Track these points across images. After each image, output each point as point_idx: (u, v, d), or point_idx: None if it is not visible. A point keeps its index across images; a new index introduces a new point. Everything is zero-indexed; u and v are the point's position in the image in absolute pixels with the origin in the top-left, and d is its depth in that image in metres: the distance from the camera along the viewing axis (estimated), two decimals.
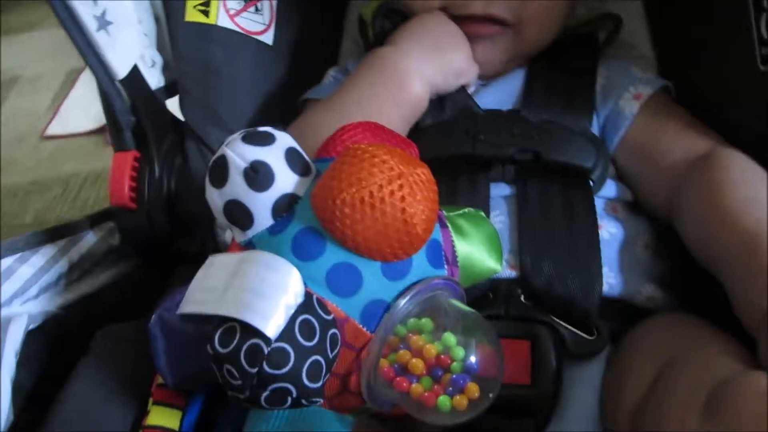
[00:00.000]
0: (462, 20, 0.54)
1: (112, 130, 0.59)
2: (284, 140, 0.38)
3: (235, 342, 0.31)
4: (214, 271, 0.36)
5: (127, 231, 0.57)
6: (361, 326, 0.35)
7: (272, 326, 0.31)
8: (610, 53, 0.60)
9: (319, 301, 0.34)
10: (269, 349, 0.31)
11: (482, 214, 0.44)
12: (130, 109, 0.56)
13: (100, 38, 0.52)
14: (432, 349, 0.34)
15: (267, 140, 0.37)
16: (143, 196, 0.57)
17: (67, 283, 0.54)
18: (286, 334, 0.31)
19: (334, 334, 0.34)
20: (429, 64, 0.51)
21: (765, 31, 0.50)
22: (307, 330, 0.32)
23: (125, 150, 0.59)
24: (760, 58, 0.50)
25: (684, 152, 0.49)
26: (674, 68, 0.59)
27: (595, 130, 0.53)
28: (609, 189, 0.51)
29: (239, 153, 0.36)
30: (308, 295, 0.33)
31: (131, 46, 0.55)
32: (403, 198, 0.34)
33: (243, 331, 0.31)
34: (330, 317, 0.34)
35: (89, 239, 0.58)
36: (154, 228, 0.57)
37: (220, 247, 0.55)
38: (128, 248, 0.60)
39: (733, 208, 0.43)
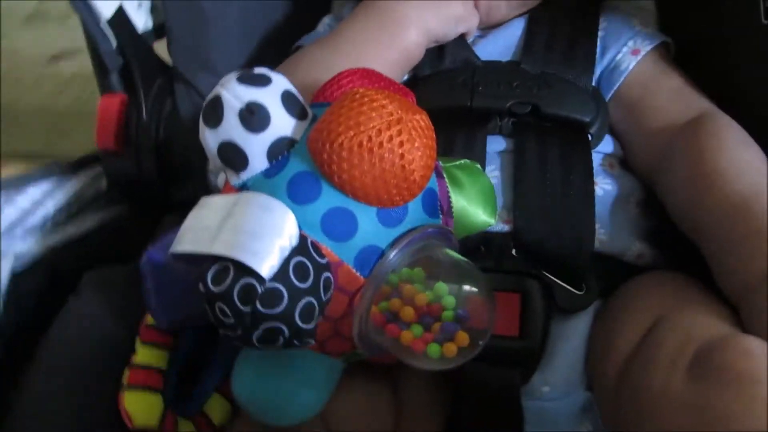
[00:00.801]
0: None
1: (99, 72, 0.58)
2: (280, 82, 0.37)
3: (229, 280, 0.31)
4: (208, 211, 0.35)
5: (115, 176, 0.57)
6: (354, 271, 0.35)
7: (266, 266, 0.31)
8: (611, 3, 0.59)
9: (313, 244, 0.34)
10: (263, 288, 0.31)
11: (478, 166, 0.44)
12: (117, 51, 0.55)
13: None
14: (423, 297, 0.34)
15: (263, 81, 0.36)
16: (131, 141, 0.56)
17: (53, 225, 0.53)
18: (280, 274, 0.31)
19: (327, 278, 0.34)
20: (427, 11, 0.50)
21: None
22: (301, 272, 0.32)
23: (112, 93, 0.57)
24: (764, 13, 0.49)
25: (676, 114, 0.49)
26: (674, 22, 0.58)
27: (593, 82, 0.52)
28: (606, 144, 0.51)
29: (234, 93, 0.35)
30: (303, 238, 0.33)
31: None
32: (401, 143, 0.33)
33: (237, 270, 0.31)
34: (324, 260, 0.34)
35: (75, 182, 0.57)
36: (142, 173, 0.56)
37: (212, 194, 0.54)
38: (117, 193, 0.60)
39: (722, 171, 0.43)
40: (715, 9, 0.53)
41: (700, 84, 0.52)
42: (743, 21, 0.50)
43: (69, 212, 0.55)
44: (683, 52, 0.55)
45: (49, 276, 0.49)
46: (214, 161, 0.38)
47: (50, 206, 0.52)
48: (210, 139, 0.36)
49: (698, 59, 0.54)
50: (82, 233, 0.54)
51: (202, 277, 0.31)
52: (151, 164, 0.56)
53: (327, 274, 0.34)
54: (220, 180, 0.53)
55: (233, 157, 0.36)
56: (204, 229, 0.33)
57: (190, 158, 0.54)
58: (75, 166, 0.58)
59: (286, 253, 0.32)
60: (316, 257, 0.33)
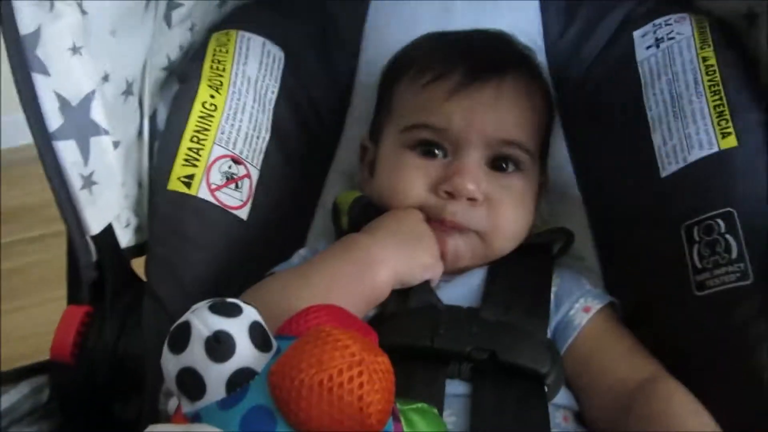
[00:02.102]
0: (436, 222, 0.59)
1: (71, 282, 0.59)
2: (250, 314, 0.38)
3: None
4: None
5: (61, 388, 0.54)
6: None
7: None
8: (562, 262, 0.65)
9: None
10: None
11: (435, 411, 0.44)
12: (95, 265, 0.56)
13: (82, 196, 0.53)
14: None
15: (234, 312, 0.38)
16: (86, 354, 0.55)
17: None
18: None
19: None
20: (398, 256, 0.54)
21: (698, 261, 0.56)
22: None
23: (79, 304, 0.58)
24: (695, 285, 0.55)
25: (626, 376, 0.52)
26: (618, 289, 0.64)
27: (549, 335, 0.55)
28: (562, 397, 0.52)
29: (204, 321, 0.36)
30: None
31: (110, 206, 0.57)
32: (361, 385, 0.34)
33: None
34: None
35: (13, 394, 0.54)
36: (91, 388, 0.54)
37: (159, 417, 0.52)
38: (55, 408, 0.56)
39: None
40: (651, 280, 0.59)
41: (646, 342, 0.55)
42: (676, 292, 0.56)
43: None
44: (628, 310, 0.60)
45: None
46: (170, 386, 0.37)
47: None
48: (171, 363, 0.37)
49: (641, 320, 0.58)
50: None
51: None
52: (102, 380, 0.54)
53: None
54: (171, 405, 0.51)
55: (191, 384, 0.36)
56: None
57: (143, 377, 0.53)
58: (17, 375, 0.56)
59: None
60: None
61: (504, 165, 0.62)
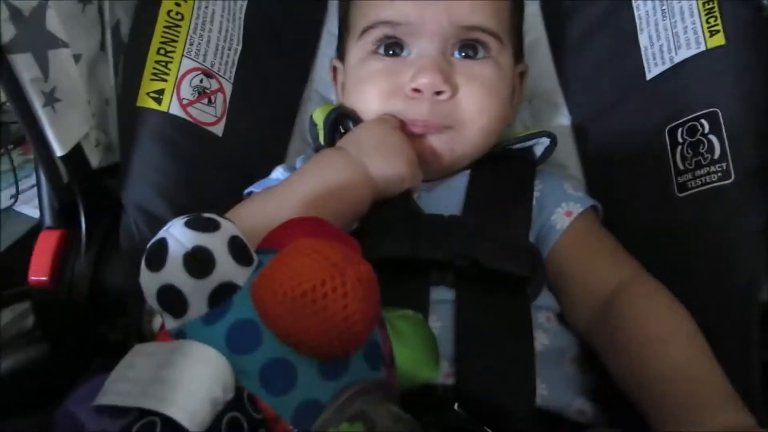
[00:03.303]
0: (409, 123, 0.58)
1: (43, 206, 0.57)
2: (229, 228, 0.37)
3: None
4: (141, 360, 0.34)
5: (44, 313, 0.54)
6: (291, 428, 0.33)
7: (197, 423, 0.29)
8: (545, 170, 0.64)
9: (250, 397, 0.32)
10: None
11: (421, 317, 0.44)
12: (66, 187, 0.55)
13: (46, 113, 0.51)
14: None
15: (211, 226, 0.37)
16: (65, 277, 0.55)
17: None
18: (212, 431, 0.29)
19: None
20: (374, 169, 0.53)
21: (680, 162, 0.55)
22: (235, 429, 0.30)
23: (53, 228, 0.56)
24: (677, 187, 0.55)
25: (607, 275, 0.52)
26: (600, 192, 0.64)
27: (531, 239, 0.55)
28: (544, 299, 0.53)
29: (180, 237, 0.35)
30: (239, 391, 0.32)
31: (77, 124, 0.54)
32: (345, 294, 0.34)
33: (165, 425, 0.29)
34: (259, 416, 0.32)
35: None
36: (73, 312, 0.53)
37: (146, 337, 0.52)
38: (41, 333, 0.56)
39: (654, 339, 0.46)
40: (634, 183, 0.59)
41: (627, 244, 0.56)
42: (659, 195, 0.55)
43: None
44: (611, 213, 0.60)
45: None
46: (152, 304, 0.37)
47: None
48: (150, 281, 0.36)
49: (623, 223, 0.58)
50: None
51: (128, 431, 0.29)
52: (84, 302, 0.54)
53: (262, 431, 0.32)
54: (155, 323, 0.51)
55: (173, 301, 0.35)
56: (135, 380, 0.31)
57: (125, 299, 0.53)
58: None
59: (220, 407, 0.30)
60: (252, 413, 0.32)
61: (472, 52, 0.59)
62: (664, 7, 0.60)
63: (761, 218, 0.52)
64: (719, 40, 0.56)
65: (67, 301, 0.53)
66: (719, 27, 0.56)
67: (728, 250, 0.51)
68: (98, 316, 0.55)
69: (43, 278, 0.53)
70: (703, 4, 0.58)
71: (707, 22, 0.57)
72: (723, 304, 0.50)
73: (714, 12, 0.57)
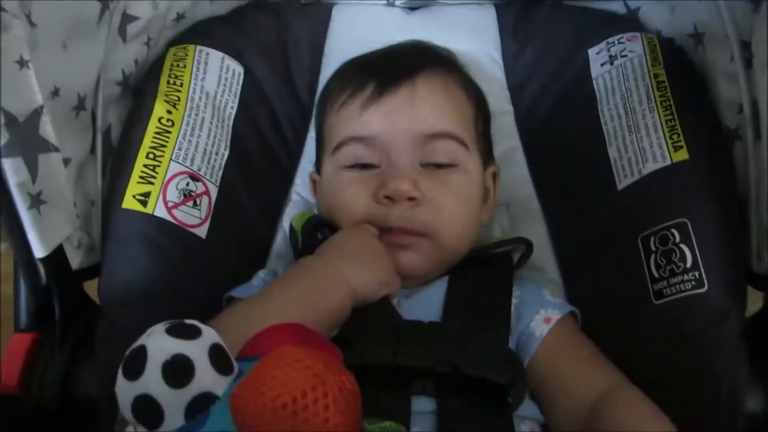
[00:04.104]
0: (385, 231, 0.59)
1: (19, 307, 0.56)
2: (210, 335, 0.37)
3: None
4: None
5: (10, 421, 0.51)
6: None
7: None
8: (522, 273, 0.65)
9: None
10: None
11: (403, 429, 0.43)
12: (44, 290, 0.54)
13: (30, 215, 0.51)
14: None
15: (192, 334, 0.36)
16: (34, 383, 0.53)
17: None
18: None
19: None
20: (354, 275, 0.54)
21: (655, 270, 0.57)
22: None
23: (26, 331, 0.55)
24: (653, 294, 0.56)
25: (589, 384, 0.52)
26: (578, 293, 0.65)
27: (511, 347, 0.55)
28: (527, 408, 0.52)
29: (161, 345, 0.35)
30: None
31: (60, 226, 0.55)
32: (326, 407, 0.33)
33: None
34: None
35: None
36: (41, 420, 0.51)
37: None
38: None
39: None
40: (611, 290, 0.60)
41: (606, 349, 0.56)
42: (636, 303, 0.57)
43: None
44: (589, 319, 0.61)
45: None
46: (126, 415, 0.35)
47: None
48: (126, 390, 0.35)
49: (602, 329, 0.59)
50: None
51: None
52: (53, 410, 0.51)
53: None
54: None
55: (148, 412, 0.34)
56: None
57: (97, 407, 0.51)
58: None
59: None
60: None
61: (439, 162, 0.62)
62: (630, 123, 0.64)
63: (738, 325, 0.53)
64: (683, 154, 0.59)
65: (36, 409, 0.51)
66: (682, 143, 0.60)
67: (707, 359, 0.52)
68: (67, 426, 0.52)
69: (12, 384, 0.51)
70: (666, 121, 0.62)
71: (671, 138, 0.61)
72: (706, 415, 0.50)
73: (676, 129, 0.61)
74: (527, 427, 0.51)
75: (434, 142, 0.61)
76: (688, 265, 0.54)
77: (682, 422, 0.48)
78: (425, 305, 0.57)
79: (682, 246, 0.56)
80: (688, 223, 0.56)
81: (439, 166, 0.61)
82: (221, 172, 0.66)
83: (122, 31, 0.61)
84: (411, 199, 0.58)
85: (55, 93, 0.52)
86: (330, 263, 0.54)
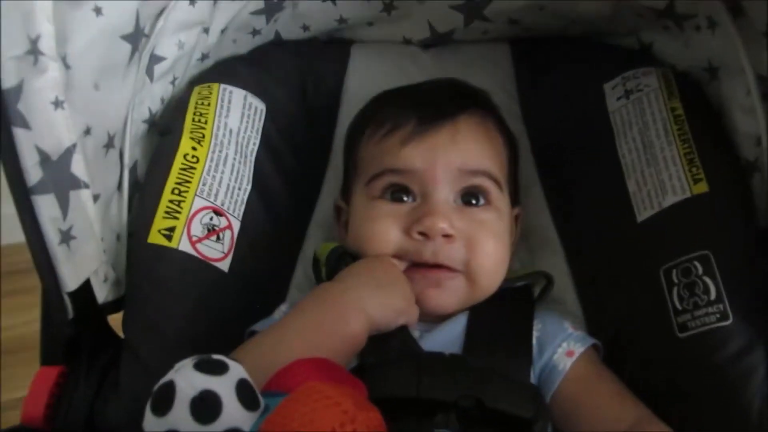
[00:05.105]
0: (417, 266, 0.59)
1: (46, 340, 0.57)
2: (237, 371, 0.38)
3: None
4: None
5: None
6: None
7: None
8: (543, 306, 0.65)
9: None
10: None
11: None
12: (71, 322, 0.55)
13: (60, 251, 0.52)
14: None
15: (220, 369, 0.37)
16: (61, 418, 0.53)
17: None
18: None
19: None
20: (370, 302, 0.54)
21: (678, 303, 0.57)
22: None
23: (52, 364, 0.56)
24: (677, 327, 0.56)
25: (614, 419, 0.52)
26: (600, 328, 0.64)
27: (533, 380, 0.55)
28: None
29: (189, 380, 0.35)
30: None
31: (89, 261, 0.56)
32: None
33: None
34: None
35: None
36: None
37: None
38: None
39: None
40: (633, 323, 0.60)
41: (629, 382, 0.56)
42: (660, 335, 0.56)
43: None
44: (612, 352, 0.60)
45: None
46: None
47: None
48: (154, 426, 0.35)
49: (625, 361, 0.58)
50: None
51: None
52: None
53: None
54: None
55: None
56: None
57: None
58: None
59: None
60: None
61: (474, 200, 0.63)
62: (648, 156, 0.65)
63: (764, 355, 0.52)
64: (702, 187, 0.59)
65: None
66: (701, 175, 0.60)
67: (735, 389, 0.51)
68: None
69: (37, 417, 0.52)
70: (685, 154, 0.62)
71: (690, 170, 0.61)
72: None
73: (695, 161, 0.61)
74: None
75: (473, 180, 0.62)
76: (712, 297, 0.54)
77: None
78: (446, 339, 0.57)
79: (705, 278, 0.55)
80: (711, 256, 0.56)
81: (472, 204, 0.62)
82: (243, 206, 0.68)
83: (150, 71, 0.63)
84: (446, 236, 0.59)
85: (87, 132, 0.54)
86: (345, 289, 0.55)
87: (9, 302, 1.33)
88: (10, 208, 0.49)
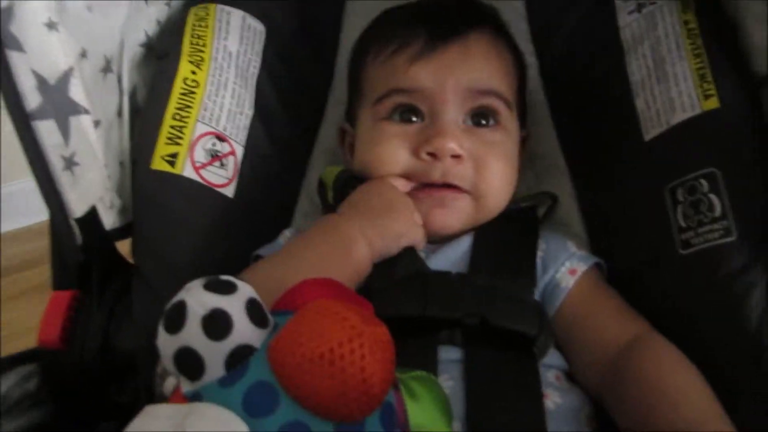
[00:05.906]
0: (424, 186, 0.59)
1: (56, 266, 0.58)
2: (245, 290, 0.38)
3: None
4: (154, 422, 0.33)
5: (53, 375, 0.53)
6: None
7: None
8: (547, 228, 0.65)
9: None
10: None
11: (434, 377, 0.44)
12: (80, 248, 0.56)
13: (64, 177, 0.52)
14: None
15: (229, 289, 0.37)
16: (76, 339, 0.55)
17: None
18: None
19: None
20: (370, 229, 0.54)
21: (682, 221, 0.57)
22: None
23: (65, 288, 0.57)
24: (680, 244, 0.56)
25: (616, 334, 0.53)
26: (603, 248, 0.65)
27: (537, 298, 0.56)
28: (553, 358, 0.53)
29: (199, 300, 0.36)
30: None
31: (93, 187, 0.56)
32: (363, 356, 0.34)
33: None
34: None
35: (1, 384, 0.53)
36: (83, 373, 0.53)
37: (156, 400, 0.51)
38: (46, 395, 0.56)
39: (667, 397, 0.46)
40: (637, 242, 0.60)
41: (634, 304, 0.56)
42: (661, 253, 0.56)
43: None
44: (614, 270, 0.61)
45: None
46: (168, 366, 0.37)
47: None
48: (168, 344, 0.36)
49: (629, 283, 0.59)
50: None
51: None
52: (95, 364, 0.53)
53: None
54: (168, 385, 0.51)
55: (190, 364, 0.35)
56: None
57: (135, 360, 0.53)
58: (5, 365, 0.55)
59: None
60: None
61: (483, 120, 0.62)
62: (658, 74, 0.63)
63: (766, 271, 0.52)
64: (713, 103, 0.58)
65: (78, 363, 0.53)
66: (713, 91, 0.58)
67: (735, 303, 0.52)
68: (108, 378, 0.55)
69: (54, 339, 0.53)
70: (697, 70, 0.60)
71: (701, 86, 0.59)
72: (731, 357, 0.50)
73: (707, 78, 0.59)
74: (553, 375, 0.52)
75: (483, 100, 0.61)
76: (717, 214, 0.54)
77: (707, 365, 0.48)
78: (451, 258, 0.58)
79: (711, 196, 0.55)
80: (717, 173, 0.55)
81: (482, 124, 0.61)
82: (246, 132, 0.67)
83: None
84: (455, 156, 0.58)
85: (83, 55, 0.53)
86: (345, 219, 0.55)
87: None
88: None
